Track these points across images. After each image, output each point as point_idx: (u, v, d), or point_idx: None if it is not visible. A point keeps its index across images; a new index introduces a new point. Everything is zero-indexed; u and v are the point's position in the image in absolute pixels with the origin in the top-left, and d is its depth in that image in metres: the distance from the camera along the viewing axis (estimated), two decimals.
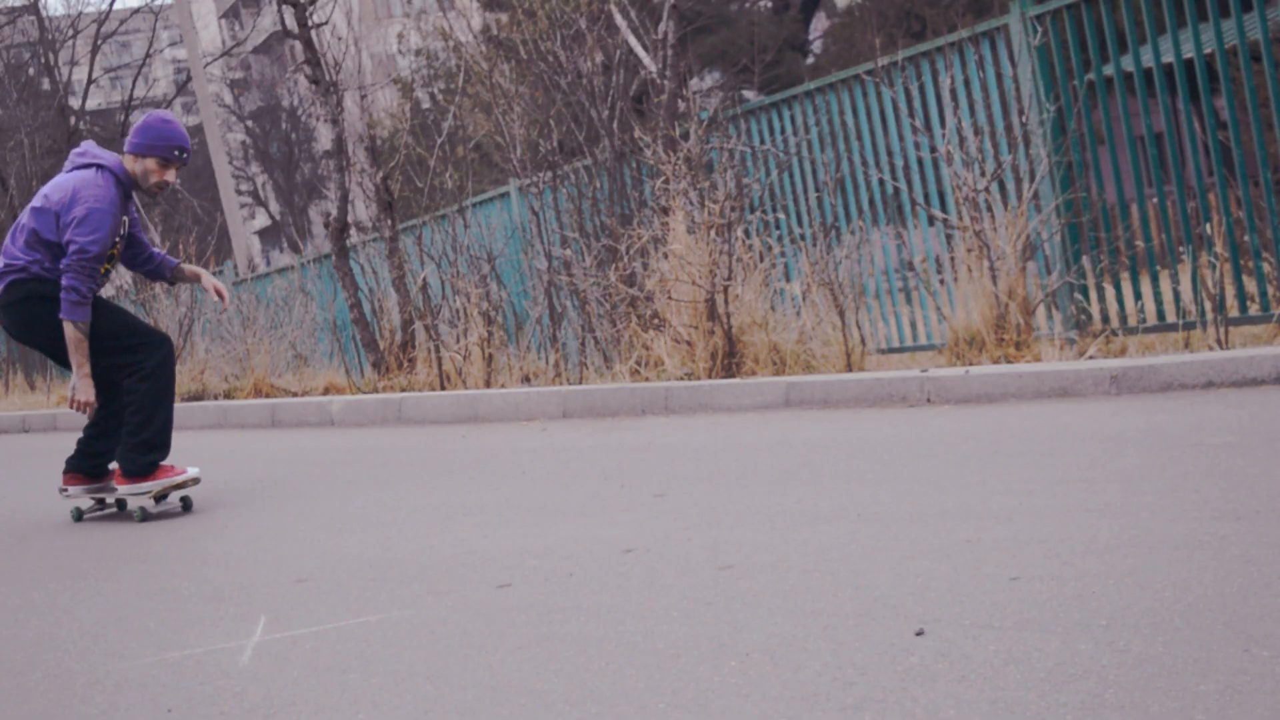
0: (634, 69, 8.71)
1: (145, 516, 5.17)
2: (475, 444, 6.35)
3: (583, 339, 7.85)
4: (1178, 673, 2.08)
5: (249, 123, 42.03)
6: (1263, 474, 3.31)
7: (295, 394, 10.13)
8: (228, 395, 10.89)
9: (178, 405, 10.49)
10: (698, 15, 23.36)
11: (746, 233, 7.27)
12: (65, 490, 5.43)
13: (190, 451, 7.50)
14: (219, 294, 5.43)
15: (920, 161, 7.17)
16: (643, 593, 3.03)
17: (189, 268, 5.58)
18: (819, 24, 30.98)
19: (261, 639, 3.10)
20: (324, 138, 34.67)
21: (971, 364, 5.94)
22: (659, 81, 8.28)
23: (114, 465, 5.34)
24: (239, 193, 39.71)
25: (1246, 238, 5.89)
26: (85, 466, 5.40)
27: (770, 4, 28.09)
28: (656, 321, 7.12)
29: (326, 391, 9.93)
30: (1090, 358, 5.59)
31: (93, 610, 3.67)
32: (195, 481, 5.26)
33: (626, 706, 2.31)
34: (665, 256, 7.16)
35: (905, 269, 7.49)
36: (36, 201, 5.11)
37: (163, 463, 5.18)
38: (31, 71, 26.29)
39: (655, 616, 2.81)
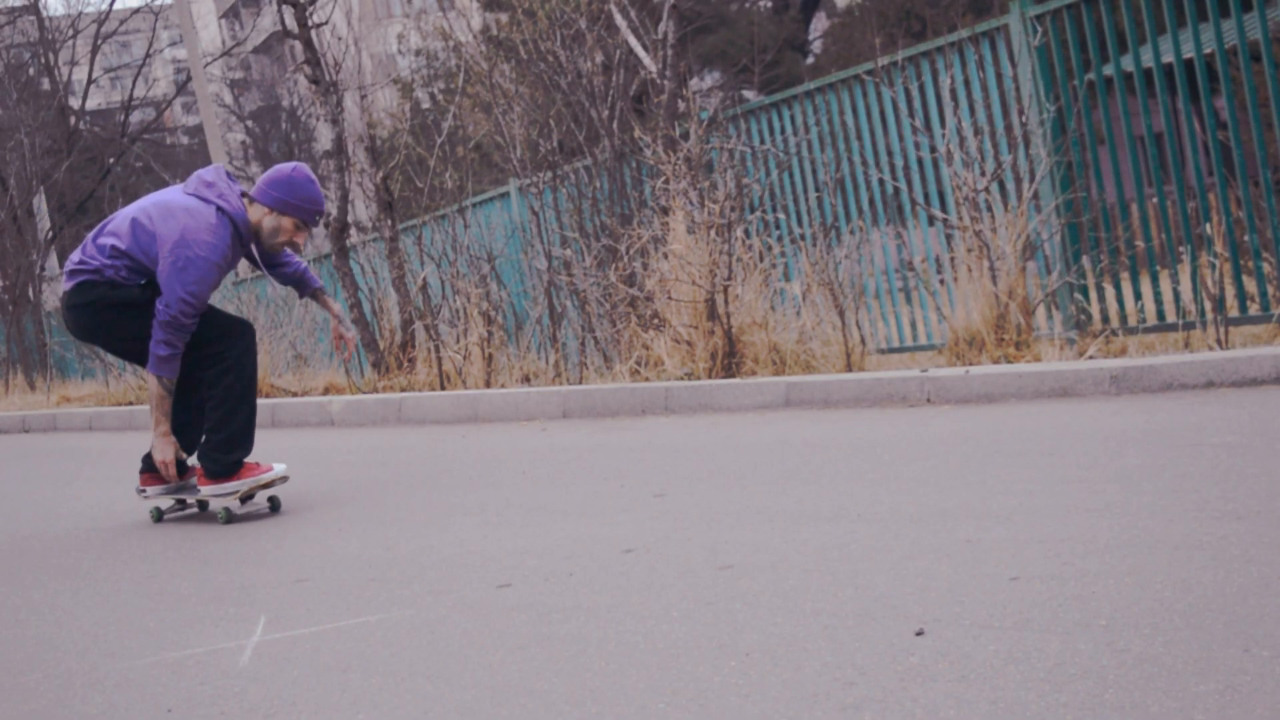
0: (634, 69, 8.71)
1: (230, 518, 4.84)
2: (475, 444, 6.35)
3: (583, 339, 7.85)
4: (1178, 673, 2.08)
5: (249, 123, 42.03)
6: (1263, 474, 3.31)
7: (295, 394, 10.13)
8: None
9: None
10: (698, 15, 23.37)
11: (746, 233, 7.27)
12: (143, 491, 5.09)
13: None
14: (343, 340, 5.14)
15: (920, 161, 7.17)
16: (643, 593, 3.03)
17: (327, 298, 5.21)
18: (819, 24, 30.99)
19: (261, 639, 3.10)
20: (324, 138, 34.65)
21: (971, 364, 5.94)
22: (659, 81, 8.28)
23: (194, 463, 5.02)
24: None
25: (1246, 238, 5.89)
26: None
27: (770, 4, 28.10)
28: (656, 321, 7.12)
29: (326, 391, 9.93)
30: (1090, 358, 5.59)
31: (93, 610, 3.67)
32: (283, 480, 4.91)
33: (626, 706, 2.31)
34: (665, 256, 7.16)
35: (905, 269, 7.49)
36: (139, 215, 4.68)
37: (246, 460, 4.86)
38: (31, 71, 26.31)
39: (655, 616, 2.81)
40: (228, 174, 4.81)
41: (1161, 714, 1.94)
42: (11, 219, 18.08)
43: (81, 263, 4.76)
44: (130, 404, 11.91)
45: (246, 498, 4.91)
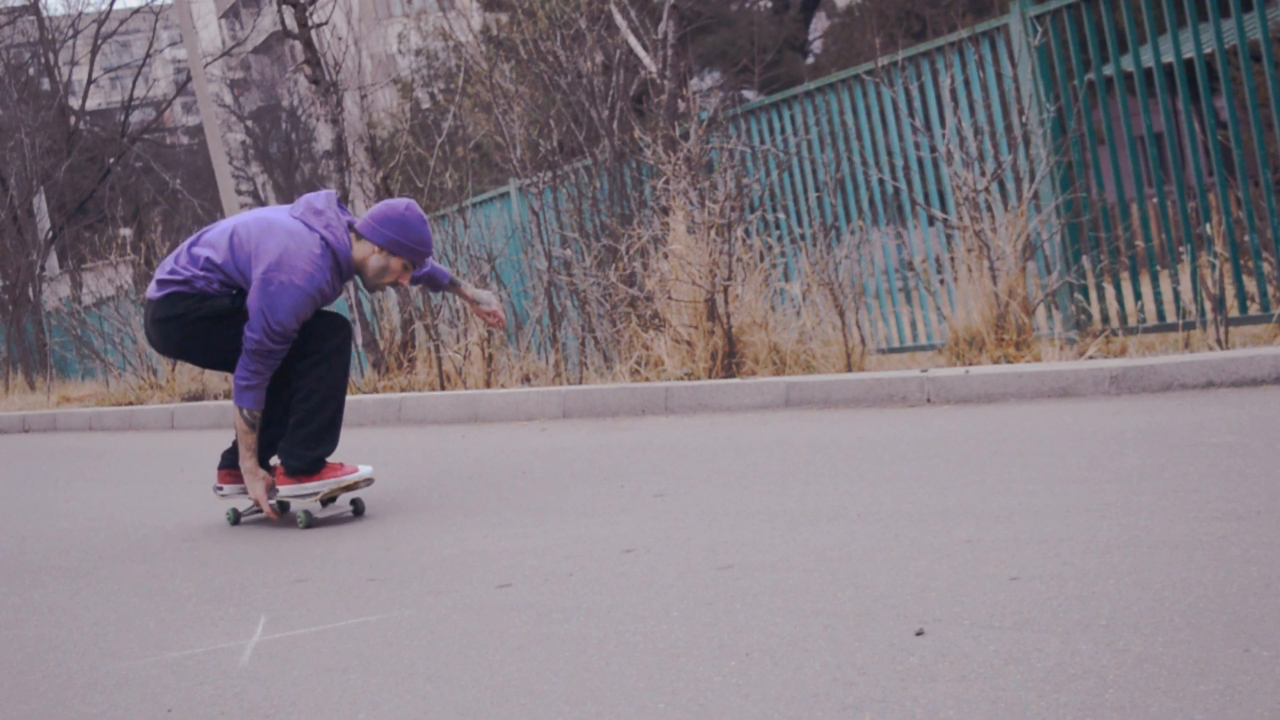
0: (634, 69, 8.71)
1: (310, 522, 4.54)
2: (475, 444, 6.35)
3: (583, 339, 7.85)
4: (1178, 673, 2.08)
5: (249, 123, 42.04)
6: (1263, 474, 3.31)
7: None
8: (228, 395, 10.89)
9: (177, 404, 10.50)
10: (698, 15, 23.38)
11: (746, 233, 7.27)
12: (220, 489, 4.85)
13: (190, 451, 7.51)
14: (493, 317, 4.95)
15: (920, 161, 7.17)
16: (643, 593, 3.03)
17: (463, 288, 4.98)
18: (819, 24, 31.00)
19: (261, 639, 3.10)
20: (324, 138, 34.67)
21: (971, 364, 5.94)
22: (659, 81, 8.28)
23: (275, 461, 4.77)
24: (239, 193, 39.73)
25: (1246, 238, 5.89)
26: None
27: (770, 4, 28.11)
28: (656, 321, 7.12)
29: None
30: (1090, 358, 5.59)
31: (93, 610, 3.67)
32: (368, 482, 4.63)
33: (626, 706, 2.31)
34: (665, 256, 7.16)
35: (905, 269, 7.49)
36: (239, 228, 4.45)
37: (329, 460, 4.63)
38: (31, 71, 26.33)
39: (655, 616, 2.81)
40: (339, 202, 4.57)
41: (1161, 714, 1.94)
42: (11, 219, 18.09)
43: (172, 272, 4.51)
44: (130, 404, 11.91)
45: (328, 500, 4.68)
